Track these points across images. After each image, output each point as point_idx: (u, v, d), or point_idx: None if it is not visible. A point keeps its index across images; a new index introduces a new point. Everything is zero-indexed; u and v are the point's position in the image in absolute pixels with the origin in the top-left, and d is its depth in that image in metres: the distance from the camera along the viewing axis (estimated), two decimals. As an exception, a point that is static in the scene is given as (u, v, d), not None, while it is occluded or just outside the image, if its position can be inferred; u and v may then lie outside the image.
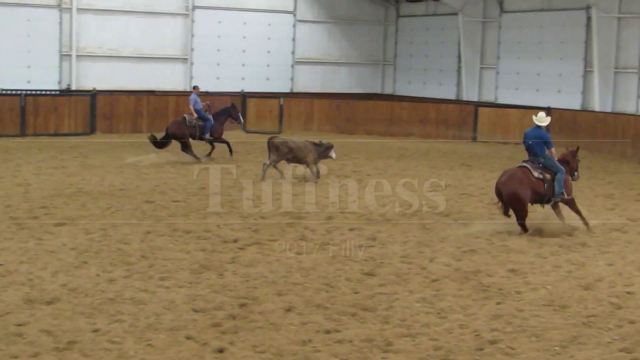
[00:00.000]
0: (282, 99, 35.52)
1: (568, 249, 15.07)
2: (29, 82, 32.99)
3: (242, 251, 14.46)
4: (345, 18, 40.11)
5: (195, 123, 25.75)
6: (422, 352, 9.82)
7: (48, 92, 32.85)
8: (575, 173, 17.21)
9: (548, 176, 16.36)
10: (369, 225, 16.83)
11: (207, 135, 25.94)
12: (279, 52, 38.40)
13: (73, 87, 34.04)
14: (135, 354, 9.58)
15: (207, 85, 35.45)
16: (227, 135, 26.99)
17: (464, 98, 36.63)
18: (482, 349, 9.93)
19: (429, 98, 37.44)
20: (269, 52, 38.08)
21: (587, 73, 31.97)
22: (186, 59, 36.51)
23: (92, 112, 32.13)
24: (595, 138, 29.22)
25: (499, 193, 16.29)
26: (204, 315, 10.92)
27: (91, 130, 32.09)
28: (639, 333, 10.59)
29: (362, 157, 27.26)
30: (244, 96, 34.54)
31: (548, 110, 31.50)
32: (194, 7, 36.31)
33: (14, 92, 31.55)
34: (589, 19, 31.48)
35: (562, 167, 16.51)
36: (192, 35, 36.44)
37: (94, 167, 23.68)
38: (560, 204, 16.69)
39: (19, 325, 10.36)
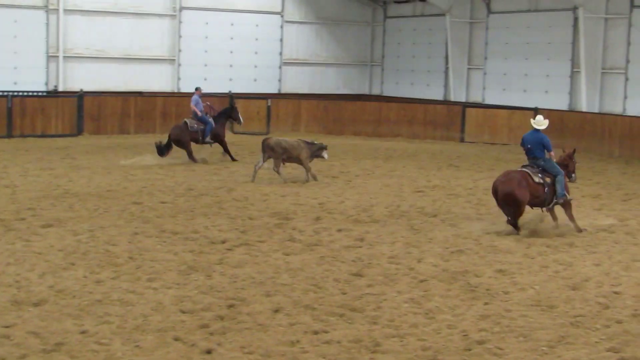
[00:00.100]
0: (269, 100, 35.51)
1: (555, 249, 15.11)
2: (15, 83, 32.84)
3: (230, 252, 14.44)
4: (333, 19, 40.13)
5: (197, 128, 25.77)
6: (410, 353, 9.82)
7: (35, 94, 32.74)
8: (573, 175, 17.34)
9: (548, 180, 16.46)
10: (357, 226, 16.84)
11: (208, 139, 25.98)
12: (267, 53, 38.37)
13: (60, 88, 33.93)
14: (123, 355, 9.56)
15: (195, 86, 35.42)
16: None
17: (452, 99, 36.69)
18: (470, 349, 9.94)
19: (417, 99, 37.49)
20: (256, 53, 38.06)
21: (574, 74, 32.07)
22: (174, 59, 36.46)
23: (80, 113, 32.06)
24: (583, 138, 29.30)
25: (495, 192, 16.33)
26: (192, 317, 10.90)
27: (78, 131, 32.01)
28: (626, 333, 10.62)
29: (349, 158, 27.28)
30: (231, 97, 34.50)
31: (536, 111, 31.63)
32: (182, 8, 36.25)
33: (0, 93, 31.45)
34: (576, 19, 31.58)
35: (561, 170, 16.64)
36: (180, 36, 36.39)
37: (82, 169, 23.62)
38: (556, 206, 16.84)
39: (6, 327, 10.32)
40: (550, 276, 13.32)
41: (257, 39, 38.08)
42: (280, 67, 38.84)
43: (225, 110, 26.93)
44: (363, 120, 35.35)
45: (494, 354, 9.82)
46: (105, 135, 32.26)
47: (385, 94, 40.31)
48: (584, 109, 30.95)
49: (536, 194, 16.33)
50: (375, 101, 37.87)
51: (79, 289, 11.95)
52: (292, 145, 21.97)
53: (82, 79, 34.16)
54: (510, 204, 16.14)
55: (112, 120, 32.88)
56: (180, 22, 36.29)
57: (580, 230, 16.48)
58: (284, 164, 22.15)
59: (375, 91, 41.13)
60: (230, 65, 37.44)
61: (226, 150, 26.24)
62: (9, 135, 30.52)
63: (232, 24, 37.41)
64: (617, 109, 30.55)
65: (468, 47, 36.80)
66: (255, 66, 38.09)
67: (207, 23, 36.88)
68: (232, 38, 37.43)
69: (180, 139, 25.54)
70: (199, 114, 26.00)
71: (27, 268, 13.02)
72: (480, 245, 15.33)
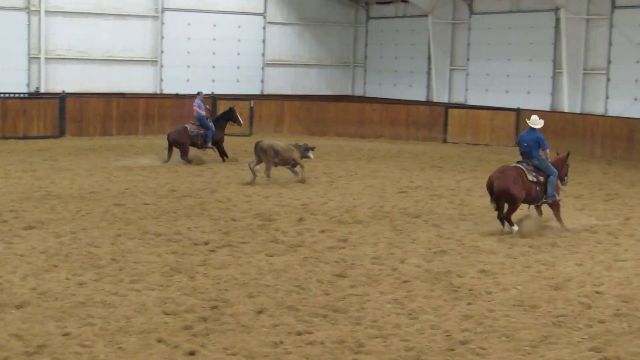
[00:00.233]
0: (252, 101, 35.45)
1: (538, 250, 15.16)
2: (-4, 85, 32.73)
3: (213, 253, 14.42)
4: (315, 20, 40.14)
5: (197, 132, 25.78)
6: (393, 353, 9.84)
7: (17, 95, 32.56)
8: (565, 178, 17.45)
9: (541, 179, 16.57)
10: (340, 226, 16.85)
11: (209, 144, 26.02)
12: (249, 54, 38.35)
13: (42, 90, 33.79)
14: (106, 357, 9.53)
15: (177, 87, 35.42)
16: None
17: (434, 99, 36.77)
18: (453, 350, 9.96)
19: (399, 100, 37.57)
20: (239, 54, 38.03)
21: (556, 74, 32.20)
22: (156, 61, 36.37)
23: (62, 115, 31.91)
24: (564, 139, 29.39)
25: (490, 186, 16.39)
26: (175, 318, 10.88)
27: (60, 133, 31.85)
28: (608, 332, 10.67)
29: (332, 159, 27.30)
30: (214, 98, 34.42)
31: (518, 111, 31.78)
32: (164, 9, 36.18)
33: (-18, 95, 31.33)
34: (557, 20, 31.70)
35: (555, 170, 16.75)
36: (162, 37, 36.31)
37: (64, 170, 23.54)
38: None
39: (-12, 329, 10.29)
40: (532, 276, 13.36)
41: (239, 40, 38.04)
42: (263, 68, 38.82)
43: (225, 113, 26.97)
44: (346, 121, 35.39)
45: (476, 354, 9.84)
46: (87, 137, 32.13)
47: (368, 94, 40.38)
48: (566, 110, 31.07)
49: (528, 192, 16.44)
50: (358, 102, 37.92)
51: (61, 291, 11.91)
52: (283, 148, 22.25)
53: (64, 80, 34.05)
54: (505, 198, 16.24)
55: (95, 121, 32.74)
56: (162, 23, 36.22)
57: (567, 230, 16.57)
58: (275, 166, 22.22)
59: (358, 92, 41.17)
60: (213, 67, 37.40)
61: (223, 154, 26.27)
62: (-9, 137, 30.40)
63: (214, 25, 37.36)
64: (598, 109, 30.68)
65: (450, 48, 36.88)
66: (238, 67, 38.05)
67: (189, 24, 36.81)
68: (214, 39, 37.38)
69: (179, 141, 25.56)
70: (207, 116, 26.13)
71: (9, 270, 12.96)
72: (463, 245, 15.37)
